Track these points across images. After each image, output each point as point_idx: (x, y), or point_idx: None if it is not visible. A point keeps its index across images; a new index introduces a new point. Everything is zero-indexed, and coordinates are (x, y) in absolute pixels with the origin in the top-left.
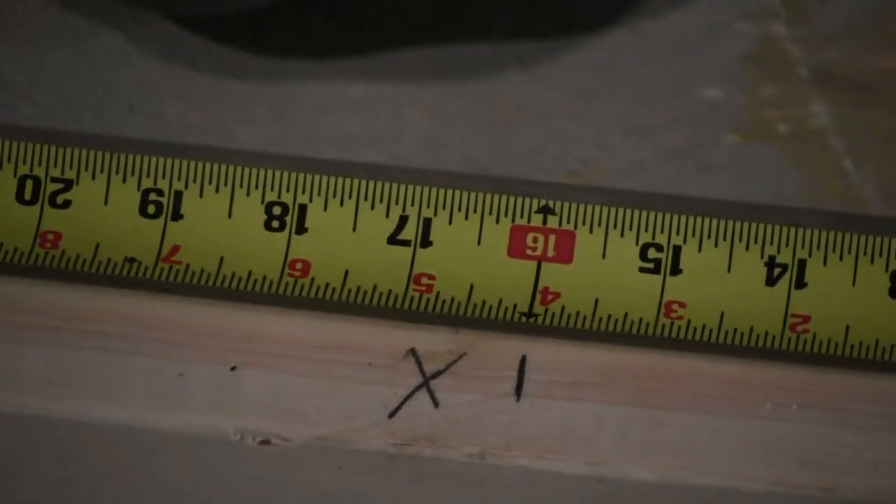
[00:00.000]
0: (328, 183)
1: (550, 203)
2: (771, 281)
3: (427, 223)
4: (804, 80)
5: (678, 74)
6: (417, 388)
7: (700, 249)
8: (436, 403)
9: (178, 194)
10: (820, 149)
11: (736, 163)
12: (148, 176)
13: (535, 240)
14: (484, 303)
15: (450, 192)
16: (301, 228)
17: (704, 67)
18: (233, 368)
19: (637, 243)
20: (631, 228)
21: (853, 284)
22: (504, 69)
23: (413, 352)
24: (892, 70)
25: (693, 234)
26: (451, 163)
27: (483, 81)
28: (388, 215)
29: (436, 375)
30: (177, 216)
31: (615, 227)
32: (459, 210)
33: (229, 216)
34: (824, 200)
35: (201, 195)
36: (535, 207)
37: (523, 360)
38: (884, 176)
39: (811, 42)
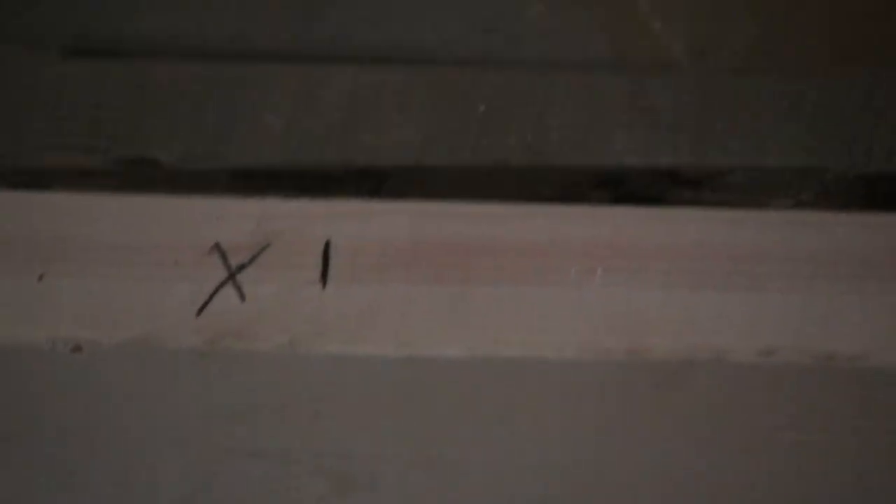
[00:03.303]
0: None
1: None
2: None
3: None
4: None
5: None
6: (223, 283)
7: None
8: (242, 296)
9: None
10: (628, 11)
11: (543, 32)
12: None
13: None
14: None
15: None
16: None
17: None
18: (40, 277)
19: None
20: None
21: None
22: None
23: (218, 246)
24: None
25: None
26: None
27: None
28: None
29: (241, 268)
30: None
31: None
32: None
33: None
34: (634, 61)
35: None
36: None
37: (327, 246)
38: (691, 34)
39: None
